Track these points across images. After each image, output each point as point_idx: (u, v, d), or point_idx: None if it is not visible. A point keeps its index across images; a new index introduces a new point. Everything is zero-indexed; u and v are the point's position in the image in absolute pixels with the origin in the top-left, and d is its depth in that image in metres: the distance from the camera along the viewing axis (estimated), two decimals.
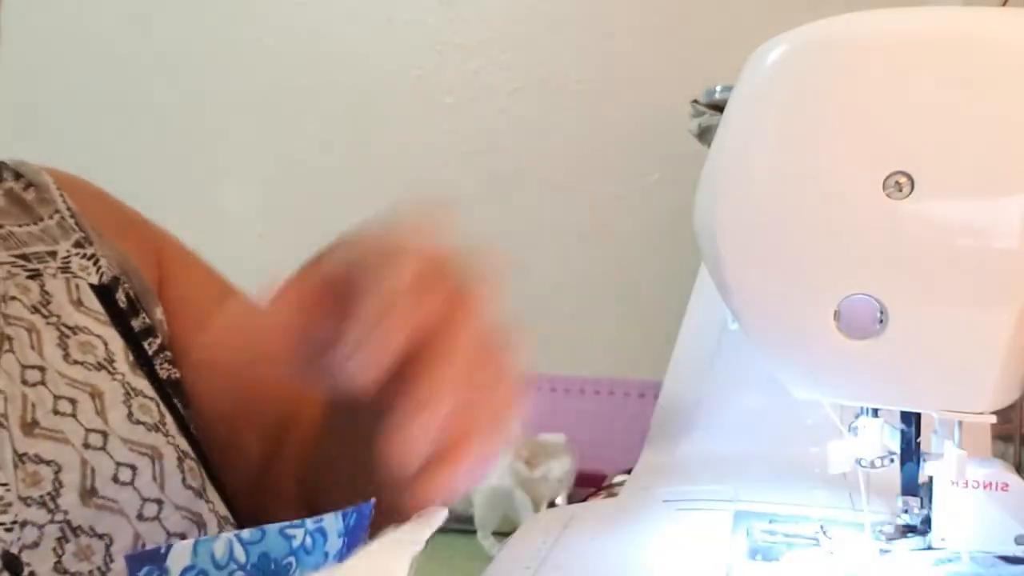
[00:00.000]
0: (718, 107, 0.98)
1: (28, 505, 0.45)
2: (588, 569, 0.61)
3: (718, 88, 0.99)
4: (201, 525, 0.52)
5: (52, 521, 0.46)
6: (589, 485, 1.07)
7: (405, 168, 1.36)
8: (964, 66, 0.50)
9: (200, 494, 0.53)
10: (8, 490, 0.44)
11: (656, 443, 0.90)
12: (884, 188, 0.50)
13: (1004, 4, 0.85)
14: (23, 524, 0.44)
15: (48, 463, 0.46)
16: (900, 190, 0.50)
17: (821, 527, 0.63)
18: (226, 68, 1.38)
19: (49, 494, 0.46)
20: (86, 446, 0.48)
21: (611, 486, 0.92)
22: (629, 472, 0.88)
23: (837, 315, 0.53)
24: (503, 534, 1.02)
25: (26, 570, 0.44)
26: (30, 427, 0.47)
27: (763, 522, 0.66)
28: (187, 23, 1.40)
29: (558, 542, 0.66)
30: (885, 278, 0.52)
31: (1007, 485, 0.59)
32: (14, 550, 0.43)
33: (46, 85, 1.41)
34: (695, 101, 1.03)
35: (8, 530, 0.44)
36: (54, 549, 0.45)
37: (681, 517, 0.69)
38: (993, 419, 0.54)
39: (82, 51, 1.40)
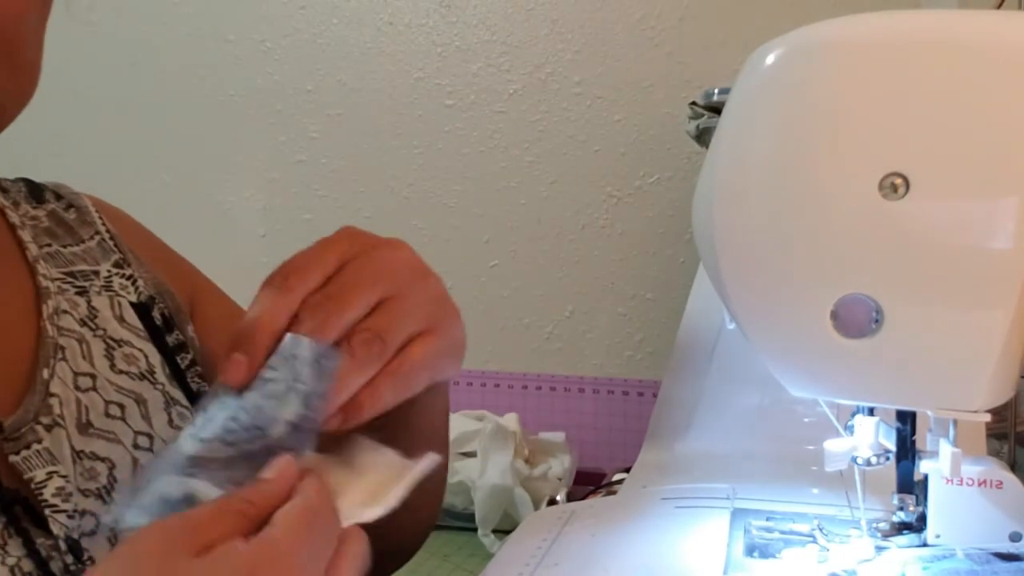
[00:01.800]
0: (716, 109, 0.99)
1: (86, 496, 0.49)
2: (587, 566, 0.62)
3: (716, 90, 1.00)
4: None
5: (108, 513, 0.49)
6: (588, 483, 1.08)
7: (406, 169, 1.36)
8: (959, 68, 0.51)
9: None
10: (68, 482, 0.48)
11: (655, 441, 0.90)
12: (880, 189, 0.51)
13: (999, 7, 0.86)
14: (82, 513, 0.48)
15: (103, 460, 0.50)
16: (896, 191, 0.51)
17: (818, 524, 0.64)
18: (228, 70, 1.39)
19: (104, 487, 0.50)
20: (135, 447, 0.52)
21: (610, 484, 0.92)
22: (628, 470, 0.88)
23: (834, 314, 0.53)
24: (503, 532, 1.03)
25: (85, 555, 0.47)
26: (85, 427, 0.50)
27: (760, 519, 0.66)
28: (191, 26, 1.40)
29: (558, 539, 0.66)
30: (881, 278, 0.52)
31: (1001, 483, 0.59)
32: (75, 536, 0.47)
33: (51, 87, 1.42)
34: (693, 103, 1.04)
35: (70, 517, 0.47)
36: (108, 539, 0.48)
37: (679, 514, 0.70)
38: (988, 417, 0.54)
39: (86, 53, 1.40)
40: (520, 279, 1.33)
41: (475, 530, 1.05)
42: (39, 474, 0.47)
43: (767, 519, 0.66)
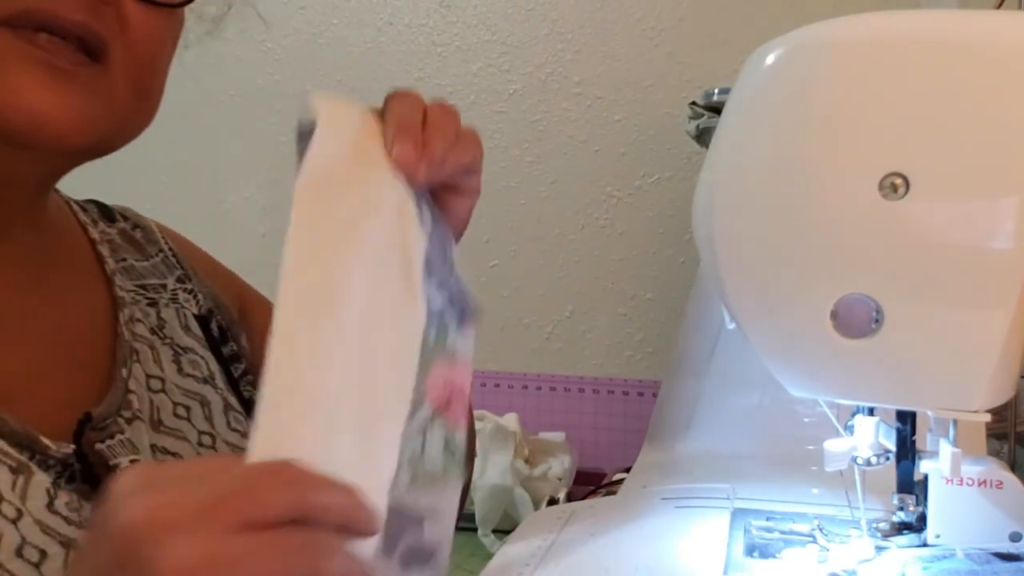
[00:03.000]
0: (716, 109, 0.99)
1: None
2: (587, 566, 0.62)
3: (716, 90, 1.00)
4: None
5: None
6: (589, 483, 1.08)
7: None
8: (959, 68, 0.51)
9: None
10: None
11: (655, 442, 0.90)
12: (880, 189, 0.51)
13: (999, 7, 0.86)
14: None
15: (173, 455, 0.54)
16: (896, 191, 0.51)
17: (818, 524, 0.64)
18: (229, 70, 1.39)
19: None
20: (200, 444, 0.56)
21: (610, 484, 0.92)
22: (628, 470, 0.88)
23: (834, 315, 0.53)
24: (503, 531, 1.02)
25: None
26: (156, 425, 0.54)
27: (760, 519, 0.66)
28: None
29: (558, 539, 0.66)
30: (881, 278, 0.52)
31: (1001, 483, 0.59)
32: None
33: None
34: (693, 103, 1.04)
35: None
36: None
37: (679, 514, 0.70)
38: (987, 417, 0.54)
39: None
40: (520, 279, 1.33)
41: (475, 530, 1.05)
42: (123, 461, 0.50)
43: (767, 519, 0.66)
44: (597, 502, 0.78)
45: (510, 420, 1.15)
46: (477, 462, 1.07)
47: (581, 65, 1.28)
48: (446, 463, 0.45)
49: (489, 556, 0.79)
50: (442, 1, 1.32)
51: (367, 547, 0.37)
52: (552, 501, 1.02)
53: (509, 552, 0.64)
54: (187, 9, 0.58)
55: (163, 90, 0.55)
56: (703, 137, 1.01)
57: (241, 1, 0.67)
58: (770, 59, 0.55)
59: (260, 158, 1.40)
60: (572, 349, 1.32)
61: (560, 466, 1.13)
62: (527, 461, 1.12)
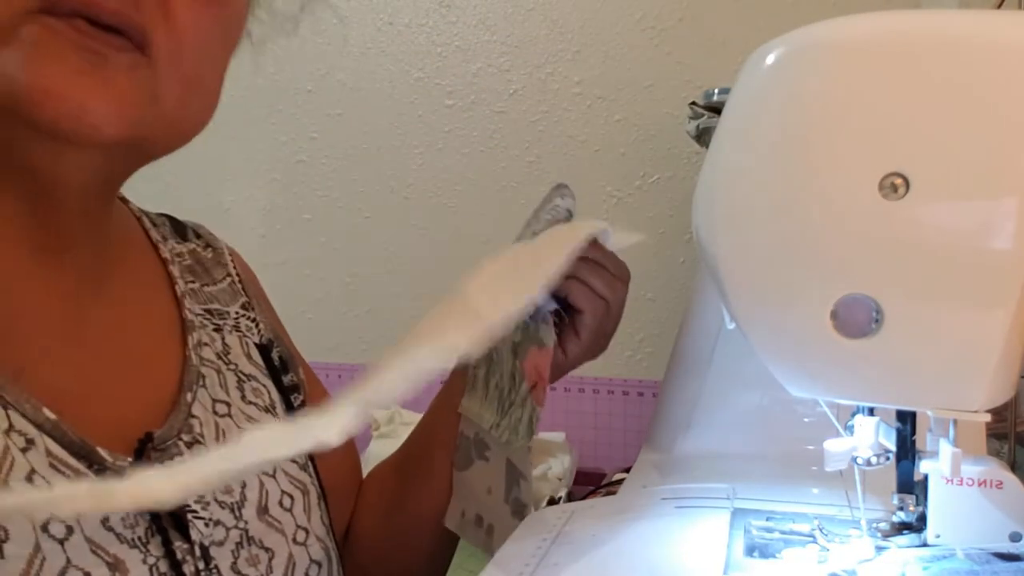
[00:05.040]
0: (716, 109, 0.99)
1: (222, 508, 0.52)
2: (587, 566, 0.61)
3: (716, 90, 1.00)
4: (330, 560, 0.60)
5: (236, 527, 0.53)
6: (588, 483, 1.08)
7: (405, 169, 1.36)
8: (959, 68, 0.51)
9: (329, 531, 0.61)
10: (207, 492, 0.51)
11: (655, 441, 0.90)
12: (880, 189, 0.51)
13: (999, 6, 0.86)
14: (216, 523, 0.51)
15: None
16: (896, 191, 0.51)
17: (818, 524, 0.64)
18: (229, 70, 1.39)
19: (236, 503, 0.53)
20: (263, 471, 0.56)
21: (610, 484, 0.92)
22: (628, 470, 0.88)
23: (834, 314, 0.53)
24: None
25: (212, 562, 0.50)
26: None
27: (760, 519, 0.66)
28: None
29: (557, 539, 0.66)
30: (881, 278, 0.52)
31: (1001, 483, 0.59)
32: (206, 543, 0.50)
33: None
34: (693, 103, 1.04)
35: (206, 525, 0.50)
36: (232, 551, 0.52)
37: (679, 514, 0.70)
38: (988, 417, 0.54)
39: None
40: None
41: None
42: None
43: (767, 519, 0.66)
44: (597, 502, 0.78)
45: None
46: None
47: (581, 65, 1.28)
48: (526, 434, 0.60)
49: (489, 556, 0.78)
50: (442, 1, 1.32)
51: None
52: (552, 501, 1.02)
53: (509, 552, 0.64)
54: (256, 3, 0.56)
55: (220, 85, 0.54)
56: (703, 137, 1.01)
57: None
58: (770, 59, 0.55)
59: (260, 158, 1.40)
60: None
61: (560, 466, 1.13)
62: None
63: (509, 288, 0.49)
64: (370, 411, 0.39)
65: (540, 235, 0.60)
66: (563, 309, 0.66)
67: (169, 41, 0.45)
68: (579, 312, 0.66)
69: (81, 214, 0.50)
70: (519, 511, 0.63)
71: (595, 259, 0.67)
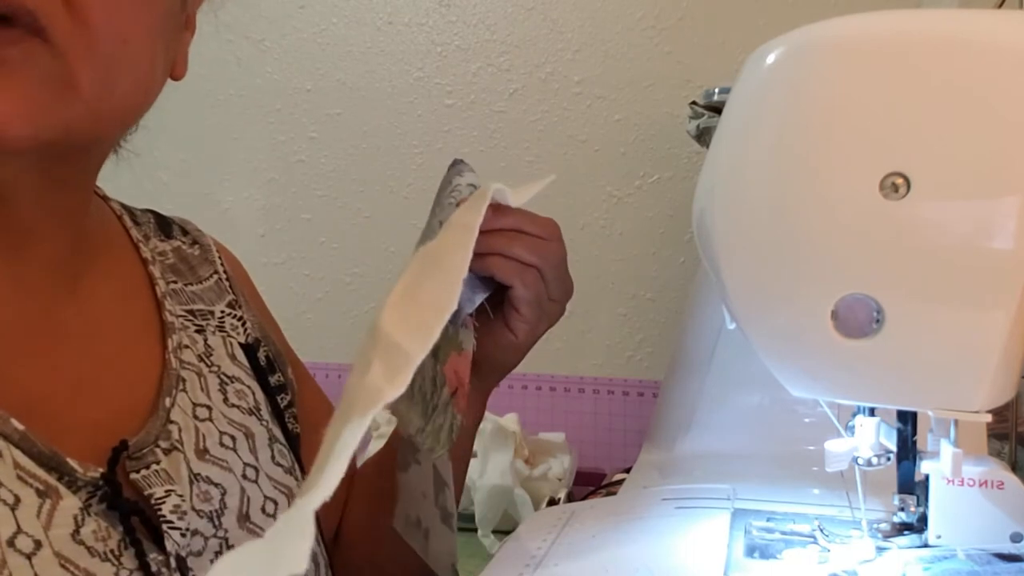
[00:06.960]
0: (716, 109, 0.99)
1: (200, 517, 0.50)
2: (587, 566, 0.61)
3: (716, 90, 1.00)
4: (317, 564, 0.58)
5: (215, 536, 0.51)
6: (589, 483, 1.08)
7: (405, 169, 1.36)
8: (960, 68, 0.51)
9: (319, 540, 0.60)
10: (184, 500, 0.49)
11: (655, 442, 0.90)
12: (881, 189, 0.51)
13: (1000, 6, 0.86)
14: (193, 533, 0.49)
15: (216, 485, 0.52)
16: (896, 191, 0.51)
17: (818, 525, 0.64)
18: (228, 69, 1.39)
19: (216, 511, 0.51)
20: (244, 477, 0.54)
21: (610, 484, 0.92)
22: (628, 471, 0.88)
23: (834, 315, 0.53)
24: (503, 532, 1.02)
25: (190, 573, 0.48)
26: (202, 453, 0.52)
27: (761, 520, 0.66)
28: None
29: (558, 540, 0.66)
30: (882, 278, 0.52)
31: (1002, 483, 0.59)
32: (183, 554, 0.48)
33: None
34: (693, 103, 1.04)
35: (183, 535, 0.48)
36: (211, 561, 0.49)
37: (680, 515, 0.70)
38: (989, 418, 0.54)
39: None
40: None
41: (475, 530, 1.05)
42: (158, 491, 0.48)
43: (767, 520, 0.66)
44: (597, 502, 0.78)
45: (510, 420, 1.15)
46: (477, 462, 1.07)
47: (581, 65, 1.28)
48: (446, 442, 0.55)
49: (489, 556, 0.78)
50: (442, 1, 1.32)
51: None
52: (552, 501, 1.01)
53: (509, 552, 0.64)
54: None
55: (151, 60, 0.45)
56: (703, 137, 1.01)
57: None
58: (770, 59, 0.55)
59: (260, 158, 1.40)
60: (572, 349, 1.32)
61: (560, 466, 1.13)
62: (527, 461, 1.12)
63: (424, 303, 0.45)
64: (320, 502, 0.34)
65: (444, 226, 0.56)
66: (498, 289, 0.62)
67: (70, 19, 0.39)
68: (511, 287, 0.61)
69: (39, 209, 0.47)
70: (446, 519, 0.60)
71: (509, 227, 0.60)
